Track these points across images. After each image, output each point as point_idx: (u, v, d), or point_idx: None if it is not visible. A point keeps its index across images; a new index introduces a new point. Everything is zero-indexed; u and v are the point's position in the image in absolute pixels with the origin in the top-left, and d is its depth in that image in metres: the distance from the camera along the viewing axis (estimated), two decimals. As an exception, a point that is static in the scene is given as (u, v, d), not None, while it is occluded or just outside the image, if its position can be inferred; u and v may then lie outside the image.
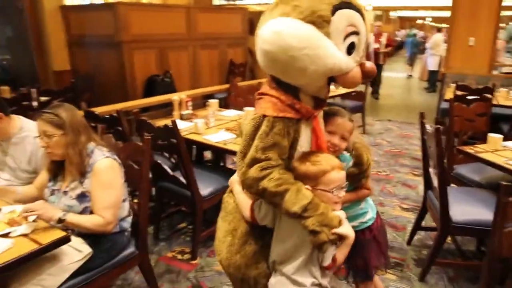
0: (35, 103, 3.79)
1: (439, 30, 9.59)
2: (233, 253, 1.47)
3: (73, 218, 1.69)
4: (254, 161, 1.26)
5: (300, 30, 1.20)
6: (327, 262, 1.33)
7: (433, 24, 11.42)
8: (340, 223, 1.27)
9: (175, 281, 2.40)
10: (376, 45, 7.95)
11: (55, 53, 5.47)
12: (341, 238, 1.29)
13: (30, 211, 1.58)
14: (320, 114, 1.43)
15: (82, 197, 1.75)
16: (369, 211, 1.68)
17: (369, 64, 1.32)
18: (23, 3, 5.25)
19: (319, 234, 1.23)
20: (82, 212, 1.75)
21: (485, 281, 1.50)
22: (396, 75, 13.21)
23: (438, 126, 2.18)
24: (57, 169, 1.83)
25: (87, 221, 1.73)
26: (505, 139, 2.65)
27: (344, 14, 1.22)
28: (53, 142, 1.72)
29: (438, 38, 9.21)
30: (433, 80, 9.34)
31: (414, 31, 16.57)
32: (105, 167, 1.76)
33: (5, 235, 1.53)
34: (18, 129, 2.13)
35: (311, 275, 1.34)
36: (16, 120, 2.15)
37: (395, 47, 20.91)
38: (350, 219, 1.43)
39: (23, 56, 5.64)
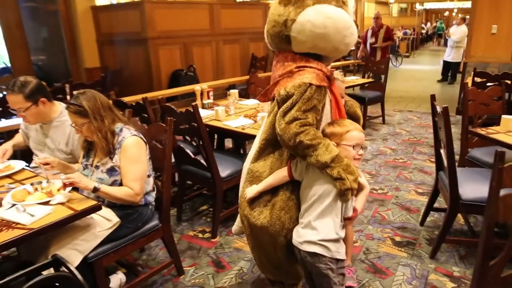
0: (68, 97, 4.06)
1: (464, 20, 9.21)
2: (277, 210, 1.69)
3: (106, 188, 1.88)
4: (295, 119, 1.54)
5: (342, 13, 1.58)
6: (350, 213, 1.62)
7: (460, 15, 10.88)
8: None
9: (196, 257, 2.57)
10: (372, 40, 7.37)
11: (86, 51, 5.79)
12: (359, 189, 1.57)
13: (70, 180, 1.77)
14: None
15: (111, 171, 1.95)
16: None
17: None
18: (58, 5, 5.58)
19: (344, 180, 1.51)
20: (112, 184, 1.94)
21: (482, 247, 1.59)
22: (421, 67, 13.05)
23: (446, 106, 2.26)
24: (90, 146, 2.04)
25: (118, 191, 1.91)
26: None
27: None
28: (84, 129, 1.92)
29: (465, 30, 8.89)
30: (455, 72, 9.16)
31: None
32: (132, 144, 1.95)
33: (46, 203, 1.74)
34: (58, 113, 2.35)
35: (333, 229, 1.59)
36: (58, 105, 2.38)
37: (422, 40, 20.54)
38: None
39: (57, 55, 6.00)
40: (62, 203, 1.75)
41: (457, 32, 8.82)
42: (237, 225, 1.99)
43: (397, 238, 2.69)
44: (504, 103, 3.16)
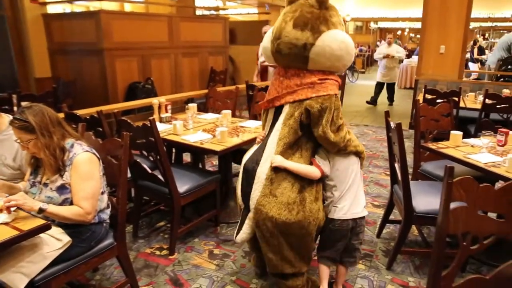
0: (15, 108, 3.84)
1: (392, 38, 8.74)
2: (308, 203, 1.95)
3: (53, 208, 1.76)
4: (340, 126, 1.94)
5: (348, 37, 1.92)
6: None
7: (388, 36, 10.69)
8: None
9: (153, 275, 2.48)
10: (262, 58, 5.80)
11: (37, 60, 5.52)
12: None
13: (12, 203, 1.65)
14: None
15: (62, 189, 1.84)
16: None
17: None
18: (4, 11, 5.31)
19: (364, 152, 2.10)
20: (62, 203, 1.84)
21: (434, 258, 1.64)
22: (374, 83, 13.50)
23: (400, 122, 2.35)
24: (38, 162, 1.92)
25: (67, 211, 1.80)
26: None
27: None
28: (30, 145, 1.80)
29: (402, 48, 9.07)
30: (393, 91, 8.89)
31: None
32: (84, 160, 1.85)
33: (-13, 224, 1.61)
34: (6, 126, 2.21)
35: (363, 206, 2.09)
36: (5, 118, 2.23)
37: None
38: None
39: (3, 63, 5.66)
40: (6, 223, 1.63)
41: (400, 51, 8.71)
42: (245, 232, 2.08)
43: (355, 251, 2.74)
44: (453, 119, 3.33)
